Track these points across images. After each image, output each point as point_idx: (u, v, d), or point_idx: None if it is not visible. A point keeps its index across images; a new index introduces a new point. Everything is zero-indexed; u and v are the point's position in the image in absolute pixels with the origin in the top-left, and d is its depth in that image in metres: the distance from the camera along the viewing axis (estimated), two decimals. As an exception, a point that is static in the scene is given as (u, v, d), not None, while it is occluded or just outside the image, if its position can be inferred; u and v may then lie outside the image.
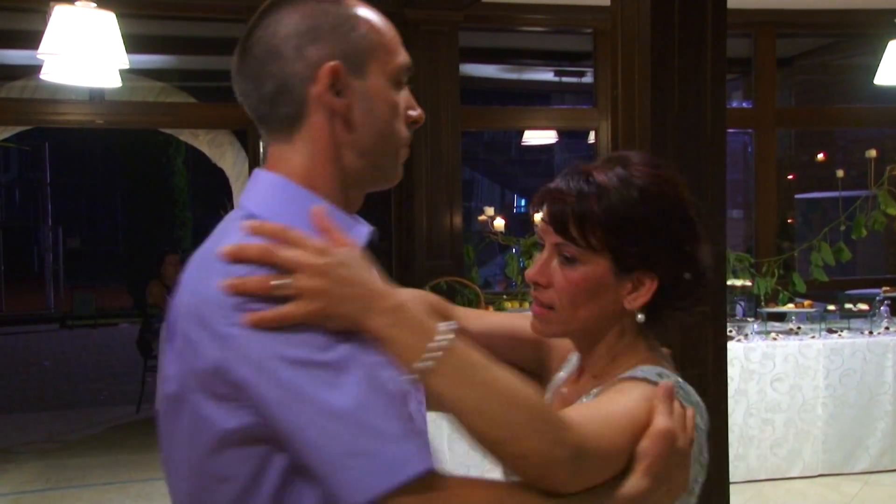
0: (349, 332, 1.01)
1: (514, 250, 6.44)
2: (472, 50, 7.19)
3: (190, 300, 1.05)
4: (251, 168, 6.23)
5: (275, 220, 1.06)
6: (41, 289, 20.01)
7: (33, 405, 9.10)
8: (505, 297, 6.09)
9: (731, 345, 5.34)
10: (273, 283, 0.99)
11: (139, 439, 7.18)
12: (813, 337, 5.71)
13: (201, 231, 17.91)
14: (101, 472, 6.25)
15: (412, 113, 1.20)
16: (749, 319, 6.03)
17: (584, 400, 1.24)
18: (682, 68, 3.34)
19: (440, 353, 1.00)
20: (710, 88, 3.35)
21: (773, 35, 6.97)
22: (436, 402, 1.04)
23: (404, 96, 1.19)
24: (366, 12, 1.18)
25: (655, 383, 1.17)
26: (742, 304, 6.27)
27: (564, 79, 8.93)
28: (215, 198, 8.45)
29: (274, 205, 1.11)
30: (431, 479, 0.98)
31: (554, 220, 1.24)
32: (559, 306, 1.25)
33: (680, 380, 1.24)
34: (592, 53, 6.87)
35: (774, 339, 5.66)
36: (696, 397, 1.23)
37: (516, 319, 1.45)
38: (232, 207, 6.46)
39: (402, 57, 1.19)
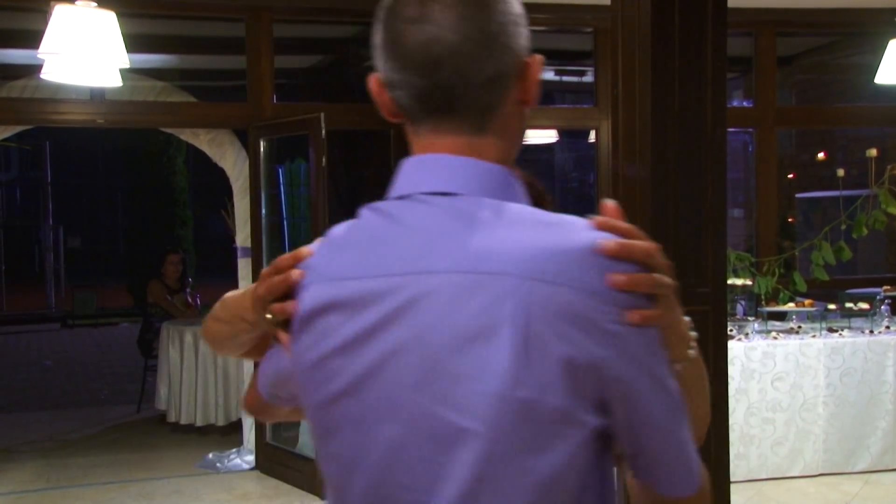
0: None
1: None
2: (472, 49, 7.18)
3: (558, 292, 0.95)
4: (252, 167, 6.23)
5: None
6: (42, 288, 20.02)
7: (34, 404, 9.11)
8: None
9: (731, 344, 5.34)
10: (666, 282, 1.00)
11: (140, 438, 7.19)
12: (814, 336, 5.72)
13: (202, 230, 17.93)
14: (102, 471, 6.26)
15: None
16: (750, 318, 6.03)
17: None
18: (683, 67, 3.34)
19: (695, 353, 1.10)
20: (710, 87, 3.36)
21: (773, 34, 6.97)
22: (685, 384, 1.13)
23: None
24: None
25: None
26: (743, 303, 6.27)
27: (565, 78, 8.93)
28: (216, 197, 8.45)
29: (510, 198, 1.06)
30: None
31: None
32: None
33: None
34: (593, 52, 6.87)
35: (775, 338, 5.67)
36: None
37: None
38: (232, 206, 6.36)
39: None
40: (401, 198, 1.08)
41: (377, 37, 1.08)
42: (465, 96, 1.05)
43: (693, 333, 1.09)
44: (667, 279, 0.99)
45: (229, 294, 1.32)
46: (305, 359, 1.09)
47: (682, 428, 1.02)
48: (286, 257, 1.15)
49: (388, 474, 1.04)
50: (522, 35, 1.08)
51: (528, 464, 0.97)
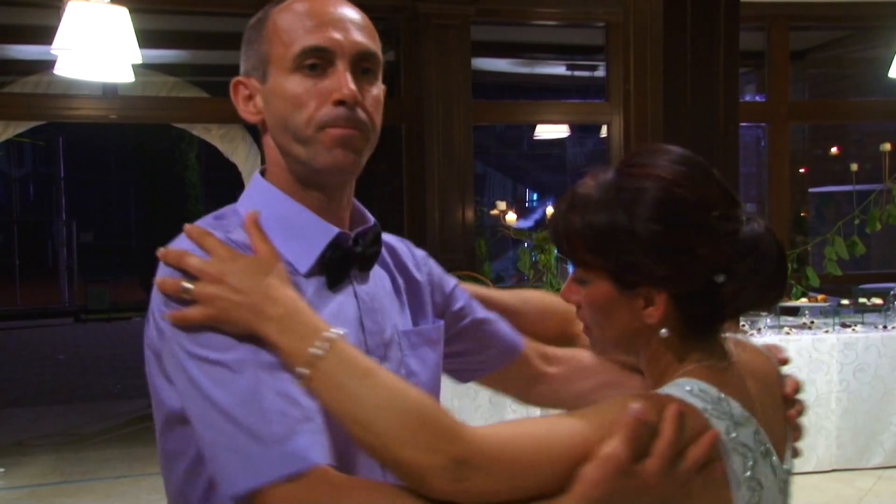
0: (252, 336, 1.08)
1: (526, 244, 6.44)
2: (483, 44, 7.18)
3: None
4: (263, 163, 6.24)
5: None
6: (55, 283, 20.11)
7: (48, 399, 9.15)
8: (517, 291, 6.08)
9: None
10: (182, 286, 1.09)
11: (152, 433, 7.19)
12: (826, 331, 5.69)
13: (214, 225, 17.92)
14: (115, 465, 6.29)
15: (334, 94, 1.18)
16: (762, 314, 6.01)
17: None
18: (695, 62, 3.33)
19: (315, 359, 1.04)
20: (723, 82, 3.35)
21: (786, 28, 6.93)
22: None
23: (325, 81, 1.18)
24: (283, 6, 1.22)
25: (683, 400, 1.08)
26: (755, 299, 6.25)
27: (577, 73, 8.91)
28: (228, 192, 8.47)
29: (252, 200, 1.26)
30: (308, 477, 1.01)
31: (553, 240, 1.22)
32: (589, 326, 1.22)
33: (721, 398, 1.11)
34: (605, 47, 6.85)
35: (788, 333, 5.65)
36: (738, 412, 1.11)
37: (549, 295, 1.50)
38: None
39: (303, 42, 1.18)
40: None
41: None
42: None
43: (316, 350, 1.05)
44: (185, 285, 1.09)
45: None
46: None
47: (221, 435, 1.04)
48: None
49: None
50: (244, 59, 1.27)
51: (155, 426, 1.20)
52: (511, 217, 6.36)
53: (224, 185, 11.53)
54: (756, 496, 1.11)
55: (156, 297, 1.13)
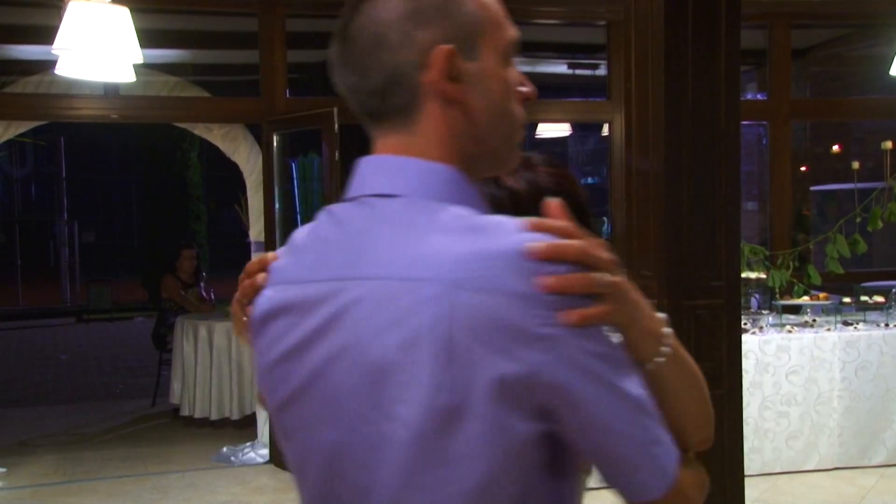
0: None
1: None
2: (485, 43, 7.17)
3: (482, 300, 0.93)
4: (265, 161, 6.24)
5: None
6: (57, 283, 20.14)
7: (50, 398, 9.17)
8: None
9: (745, 337, 5.32)
10: (605, 280, 0.96)
11: (155, 432, 7.23)
12: (828, 329, 5.69)
13: (215, 225, 18.00)
14: (117, 464, 6.30)
15: (523, 89, 1.12)
16: (764, 312, 6.01)
17: None
18: (696, 60, 3.33)
19: (670, 350, 1.03)
20: (724, 80, 3.34)
21: (787, 26, 6.93)
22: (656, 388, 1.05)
23: (514, 72, 1.11)
24: None
25: None
26: (757, 296, 6.25)
27: (578, 71, 8.91)
28: (229, 192, 8.48)
29: (453, 199, 1.04)
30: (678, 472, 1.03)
31: None
32: None
33: None
34: (606, 46, 6.85)
35: (790, 331, 5.65)
36: None
37: None
38: (246, 201, 6.37)
39: (512, 31, 1.11)
40: (350, 200, 1.08)
41: None
42: (371, 101, 1.07)
43: (667, 330, 1.03)
44: (607, 277, 0.96)
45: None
46: (261, 363, 1.11)
47: (643, 430, 0.98)
48: (254, 261, 1.17)
49: (329, 480, 1.05)
50: (430, 26, 1.04)
51: (453, 473, 0.95)
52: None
53: (226, 184, 11.53)
54: None
55: (522, 305, 0.93)
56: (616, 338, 0.99)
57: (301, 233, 1.14)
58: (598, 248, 0.96)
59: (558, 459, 1.01)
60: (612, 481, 1.01)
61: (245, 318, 1.15)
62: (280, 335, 1.07)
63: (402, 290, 0.96)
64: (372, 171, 1.08)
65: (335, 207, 1.10)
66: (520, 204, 1.21)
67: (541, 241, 0.94)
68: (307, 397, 1.05)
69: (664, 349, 1.03)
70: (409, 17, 1.04)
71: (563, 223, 0.97)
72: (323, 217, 1.11)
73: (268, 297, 1.10)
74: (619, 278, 0.97)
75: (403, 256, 0.98)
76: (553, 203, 1.00)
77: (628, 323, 0.99)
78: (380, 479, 0.99)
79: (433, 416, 0.94)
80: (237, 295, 1.18)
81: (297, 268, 1.08)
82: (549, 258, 0.93)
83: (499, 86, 1.08)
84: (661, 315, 1.05)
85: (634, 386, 0.98)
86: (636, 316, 1.00)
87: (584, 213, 1.23)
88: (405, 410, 0.95)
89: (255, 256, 6.57)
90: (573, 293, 0.93)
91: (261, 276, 1.13)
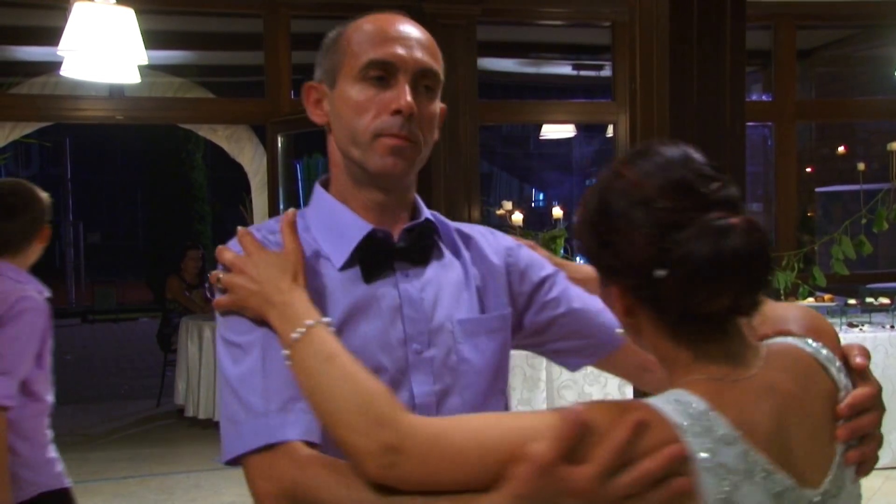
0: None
1: (532, 244, 6.43)
2: (489, 44, 7.17)
3: None
4: (269, 163, 6.25)
5: (311, 220, 1.38)
6: (62, 284, 20.14)
7: (55, 399, 9.17)
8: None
9: (750, 339, 5.31)
10: (216, 275, 1.27)
11: (160, 433, 7.23)
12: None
13: (220, 226, 18.01)
14: (122, 465, 6.30)
15: (391, 105, 1.29)
16: (769, 313, 5.99)
17: None
18: (701, 61, 3.33)
19: (294, 342, 1.17)
20: (729, 81, 3.34)
21: (792, 27, 6.92)
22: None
23: (387, 93, 1.30)
24: (357, 24, 1.33)
25: (650, 407, 1.04)
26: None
27: (583, 72, 8.90)
28: (234, 193, 8.48)
29: (311, 204, 1.43)
30: (284, 451, 1.15)
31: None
32: None
33: (707, 410, 1.04)
34: (611, 47, 6.85)
35: (795, 333, 5.63)
36: (724, 431, 1.04)
37: None
38: (251, 202, 6.41)
39: (370, 55, 1.30)
40: None
41: None
42: None
43: (295, 334, 1.17)
44: (219, 276, 1.26)
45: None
46: None
47: (224, 405, 1.22)
48: None
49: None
50: (318, 66, 1.39)
51: None
52: (517, 217, 6.36)
53: (230, 185, 11.54)
54: None
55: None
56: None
57: None
58: (229, 253, 1.28)
59: None
60: None
61: None
62: None
63: None
64: None
65: None
66: (581, 206, 1.20)
67: (225, 247, 1.30)
68: None
69: (293, 335, 1.17)
70: (317, 62, 1.38)
71: (243, 233, 1.29)
72: None
73: None
74: (235, 279, 1.25)
75: None
76: (286, 214, 1.31)
77: (257, 315, 1.23)
78: None
79: None
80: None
81: None
82: (217, 257, 1.29)
83: (345, 106, 1.32)
84: (311, 319, 1.18)
85: (232, 365, 1.23)
86: (262, 310, 1.22)
87: (625, 212, 1.09)
88: None
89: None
90: (212, 284, 1.29)
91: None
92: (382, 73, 1.29)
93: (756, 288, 1.09)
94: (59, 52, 3.59)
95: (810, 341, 1.19)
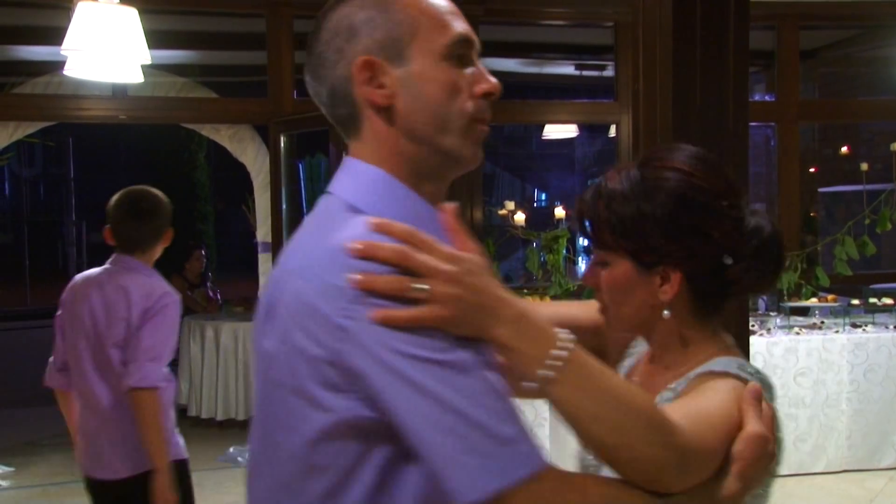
0: (469, 338, 1.01)
1: (534, 244, 6.43)
2: (492, 44, 7.17)
3: (304, 287, 1.04)
4: (272, 162, 6.25)
5: (375, 214, 1.07)
6: (65, 283, 20.08)
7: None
8: (525, 291, 6.08)
9: (753, 339, 5.31)
10: (412, 285, 0.99)
11: (162, 432, 7.23)
12: (837, 331, 5.67)
13: (222, 225, 18.04)
14: (124, 464, 6.30)
15: (481, 86, 1.17)
16: (772, 314, 5.99)
17: (666, 395, 1.26)
18: (705, 61, 3.32)
19: (561, 363, 1.02)
20: (732, 81, 3.33)
21: (796, 27, 6.91)
22: (555, 409, 1.06)
23: (470, 71, 1.16)
24: None
25: (739, 377, 1.22)
26: (764, 298, 6.24)
27: (585, 72, 8.90)
28: (237, 192, 8.49)
29: (373, 198, 1.13)
30: (545, 477, 1.00)
31: (578, 227, 1.34)
32: (607, 306, 1.33)
33: (757, 369, 1.27)
34: (613, 47, 6.84)
35: (798, 333, 5.63)
36: (769, 380, 1.27)
37: (577, 307, 1.50)
38: (253, 202, 6.41)
39: (454, 30, 1.15)
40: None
41: None
42: (327, 113, 1.20)
43: (560, 352, 1.03)
44: (416, 285, 0.99)
45: None
46: None
47: (456, 439, 0.97)
48: None
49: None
50: (357, 41, 1.13)
51: (282, 437, 1.07)
52: (520, 217, 6.35)
53: (233, 185, 11.54)
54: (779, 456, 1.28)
55: (329, 295, 1.01)
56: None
57: None
58: (425, 255, 1.00)
59: (387, 451, 1.04)
60: (437, 478, 1.00)
61: None
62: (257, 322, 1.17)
63: (282, 279, 1.10)
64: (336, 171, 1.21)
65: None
66: (613, 201, 1.29)
67: (358, 240, 1.01)
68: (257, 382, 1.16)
69: (550, 363, 1.02)
70: (342, 33, 1.14)
71: (405, 228, 1.02)
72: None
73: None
74: (448, 289, 0.99)
75: (296, 248, 1.12)
76: (448, 206, 1.11)
77: (474, 333, 1.01)
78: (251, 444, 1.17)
79: (267, 388, 1.10)
80: None
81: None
82: (366, 257, 1.00)
83: (433, 86, 1.13)
84: (560, 332, 1.04)
85: (460, 395, 0.98)
86: (484, 326, 1.01)
87: (697, 206, 1.24)
88: (257, 382, 1.15)
89: (263, 257, 6.55)
90: (381, 292, 0.99)
91: None
92: (467, 51, 1.16)
93: (783, 266, 1.33)
94: (62, 52, 3.60)
95: None
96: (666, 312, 1.28)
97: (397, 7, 1.13)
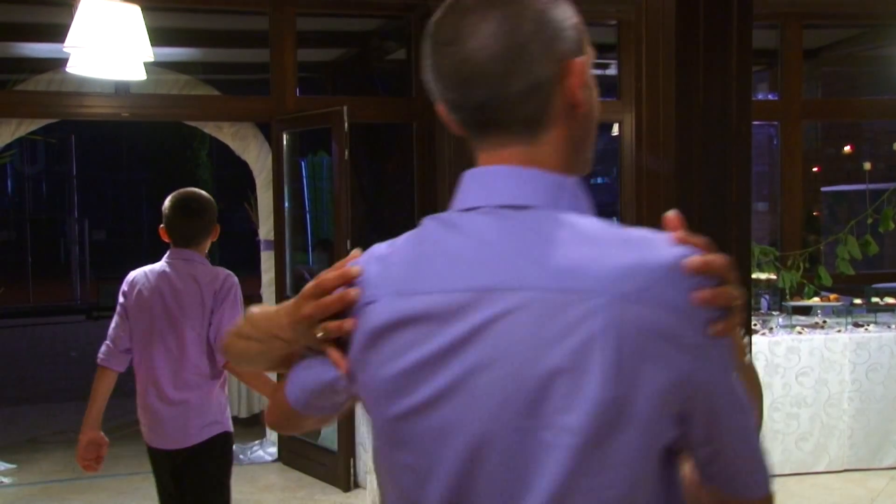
0: None
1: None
2: (495, 42, 7.16)
3: (646, 313, 0.97)
4: (275, 160, 6.25)
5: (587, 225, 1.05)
6: (68, 280, 20.20)
7: (60, 395, 9.20)
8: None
9: (755, 338, 5.31)
10: (738, 294, 1.01)
11: (164, 430, 7.24)
12: (839, 331, 5.67)
13: (225, 223, 18.03)
14: (127, 462, 6.31)
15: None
16: (774, 313, 5.99)
17: None
18: (708, 60, 3.32)
19: (749, 357, 1.16)
20: (735, 80, 3.33)
21: (799, 26, 6.90)
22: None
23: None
24: None
25: None
26: (767, 297, 6.23)
27: (588, 71, 8.88)
28: (239, 190, 8.49)
29: (570, 203, 1.08)
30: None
31: None
32: None
33: None
34: (617, 45, 6.83)
35: (800, 332, 5.62)
36: None
37: None
38: (255, 200, 6.40)
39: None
40: (467, 210, 1.09)
41: (426, 61, 1.12)
42: (504, 110, 1.07)
43: (745, 340, 1.13)
44: (738, 291, 1.01)
45: (255, 311, 1.31)
46: (380, 373, 1.10)
47: (755, 437, 1.07)
48: (331, 277, 1.15)
49: (467, 485, 1.05)
50: (563, 39, 1.09)
51: (611, 477, 1.00)
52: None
53: (235, 182, 11.54)
54: None
55: (680, 317, 0.98)
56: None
57: (397, 243, 1.14)
58: (731, 265, 1.01)
59: (673, 466, 1.06)
60: (718, 478, 1.06)
61: (320, 335, 1.16)
62: (409, 345, 1.07)
63: (563, 301, 0.98)
64: (490, 182, 1.09)
65: (447, 216, 1.11)
66: None
67: (694, 257, 0.99)
68: (446, 404, 1.04)
69: (746, 358, 1.09)
70: (548, 29, 1.08)
71: (701, 239, 1.01)
72: (432, 225, 1.12)
73: (383, 309, 1.09)
74: (740, 294, 1.01)
75: (557, 268, 1.00)
76: (672, 216, 1.03)
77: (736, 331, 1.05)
78: (537, 484, 1.01)
79: (600, 424, 0.98)
80: (308, 311, 1.15)
81: (412, 278, 1.08)
82: (701, 272, 0.98)
83: (596, 95, 1.13)
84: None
85: (743, 391, 1.04)
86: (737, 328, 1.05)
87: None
88: (571, 419, 0.98)
89: (265, 255, 6.51)
90: (719, 306, 0.99)
91: (353, 292, 1.13)
92: None
93: None
94: (65, 49, 3.60)
95: None
96: None
97: (570, 11, 1.13)
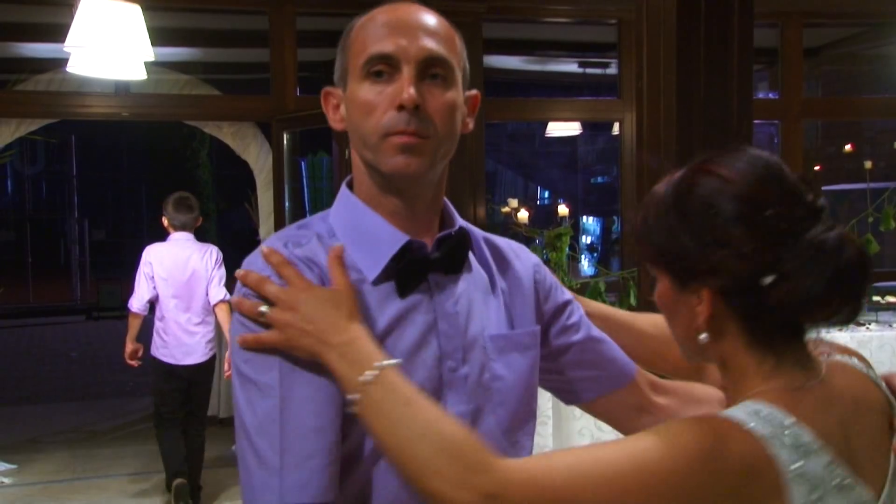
0: (306, 361, 1.12)
1: (537, 242, 6.42)
2: (495, 41, 7.16)
3: None
4: (275, 160, 6.24)
5: (337, 226, 1.26)
6: (68, 281, 20.21)
7: (60, 396, 9.19)
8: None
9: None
10: (258, 310, 1.13)
11: (165, 430, 7.23)
12: (840, 329, 5.66)
13: (225, 223, 18.03)
14: (127, 462, 6.31)
15: (395, 100, 1.19)
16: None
17: None
18: (708, 59, 3.32)
19: (364, 386, 1.07)
20: (736, 79, 3.33)
21: (800, 25, 6.89)
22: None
23: (388, 88, 1.20)
24: (363, 20, 1.24)
25: (735, 421, 1.03)
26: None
27: (589, 70, 8.88)
28: (239, 190, 8.49)
29: (336, 209, 1.30)
30: None
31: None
32: (670, 328, 1.22)
33: (789, 421, 1.04)
34: (617, 44, 6.83)
35: (801, 331, 5.62)
36: (808, 439, 1.04)
37: (648, 317, 1.53)
38: (256, 200, 6.45)
39: (371, 50, 1.20)
40: None
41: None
42: None
43: (367, 376, 1.08)
44: (261, 309, 1.13)
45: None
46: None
47: (241, 452, 1.13)
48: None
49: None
50: (335, 68, 1.28)
51: None
52: (523, 215, 6.34)
53: (236, 182, 11.54)
54: None
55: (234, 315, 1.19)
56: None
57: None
58: (274, 287, 1.13)
59: None
60: None
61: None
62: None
63: None
64: None
65: None
66: (647, 210, 1.18)
67: (241, 269, 1.18)
68: None
69: (359, 386, 1.08)
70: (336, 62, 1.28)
71: (279, 259, 1.15)
72: None
73: None
74: (283, 316, 1.11)
75: None
76: (333, 250, 1.18)
77: (307, 355, 1.11)
78: None
79: None
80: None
81: None
82: (241, 282, 1.17)
83: (352, 106, 1.23)
84: (381, 360, 1.09)
85: (247, 406, 1.11)
86: (314, 351, 1.10)
87: (731, 216, 1.09)
88: None
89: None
90: (242, 313, 1.15)
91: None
92: (384, 67, 1.19)
93: (862, 297, 1.10)
94: (65, 49, 3.60)
95: (856, 360, 1.22)
96: (702, 336, 1.12)
97: (347, 39, 1.25)
